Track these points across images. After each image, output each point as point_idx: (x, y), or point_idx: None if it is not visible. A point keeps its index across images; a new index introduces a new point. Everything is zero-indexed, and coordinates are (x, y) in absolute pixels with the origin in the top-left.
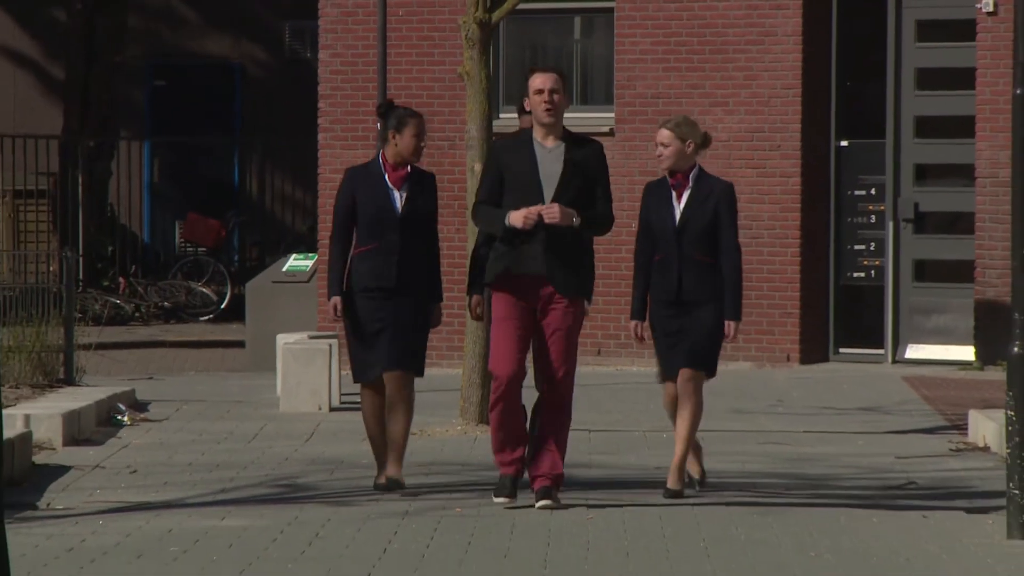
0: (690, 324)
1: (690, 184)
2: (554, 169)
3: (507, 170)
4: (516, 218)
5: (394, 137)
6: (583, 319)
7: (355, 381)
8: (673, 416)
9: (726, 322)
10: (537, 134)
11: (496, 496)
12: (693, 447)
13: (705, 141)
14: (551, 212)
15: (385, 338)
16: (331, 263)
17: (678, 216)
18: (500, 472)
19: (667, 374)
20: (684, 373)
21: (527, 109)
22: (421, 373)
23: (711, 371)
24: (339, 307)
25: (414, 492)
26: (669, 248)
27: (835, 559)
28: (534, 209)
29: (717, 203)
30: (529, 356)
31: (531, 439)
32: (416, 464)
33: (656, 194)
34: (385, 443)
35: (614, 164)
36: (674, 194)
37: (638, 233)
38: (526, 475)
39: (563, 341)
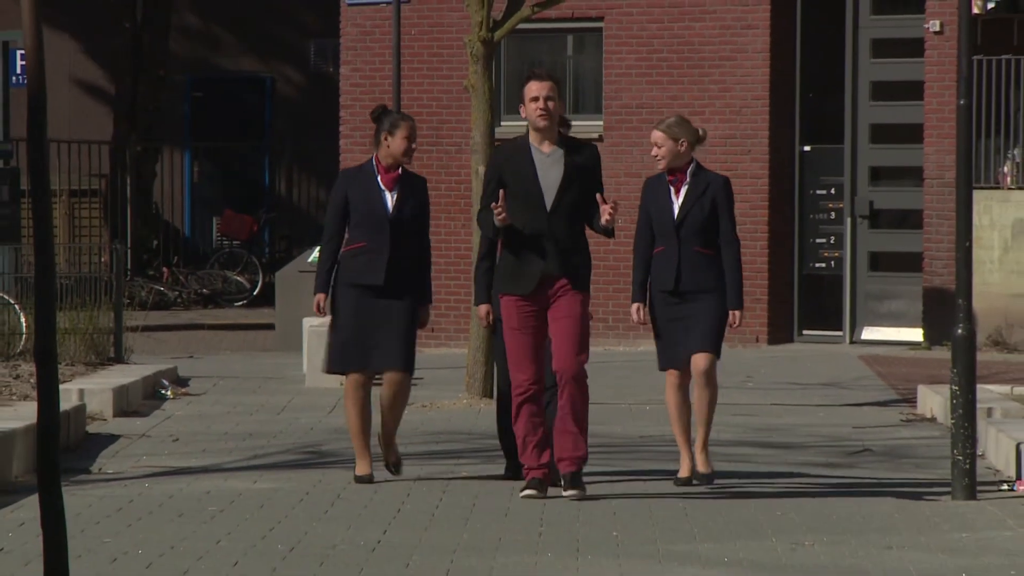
0: (696, 312)
1: (687, 179)
2: (554, 173)
3: (507, 176)
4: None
5: (386, 139)
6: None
7: (328, 371)
8: (678, 406)
9: (731, 311)
10: (533, 140)
11: (524, 491)
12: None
13: (699, 138)
14: (613, 210)
15: (383, 337)
16: (321, 260)
17: (676, 210)
18: (528, 476)
19: (668, 363)
20: (701, 358)
21: (522, 116)
22: (412, 371)
23: (718, 354)
24: (323, 304)
25: (425, 459)
26: (669, 241)
27: (799, 518)
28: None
29: (714, 197)
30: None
31: (551, 423)
32: (426, 433)
33: (655, 189)
34: (367, 435)
35: (603, 166)
36: (672, 189)
37: (638, 225)
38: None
39: (576, 324)
